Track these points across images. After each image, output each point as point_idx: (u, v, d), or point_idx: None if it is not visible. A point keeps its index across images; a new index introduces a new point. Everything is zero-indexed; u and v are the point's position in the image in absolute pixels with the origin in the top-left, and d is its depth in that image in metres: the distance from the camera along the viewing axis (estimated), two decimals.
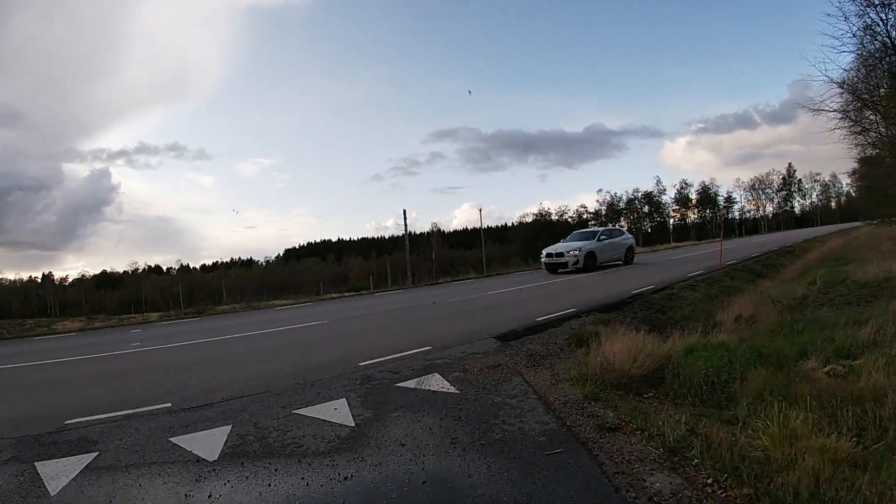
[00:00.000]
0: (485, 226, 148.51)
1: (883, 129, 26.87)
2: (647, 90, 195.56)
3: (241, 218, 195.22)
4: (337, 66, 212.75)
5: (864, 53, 20.53)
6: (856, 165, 33.54)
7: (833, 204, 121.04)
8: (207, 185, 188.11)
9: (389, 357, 8.62)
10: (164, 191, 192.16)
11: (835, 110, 21.22)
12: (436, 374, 7.33)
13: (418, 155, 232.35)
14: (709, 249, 37.93)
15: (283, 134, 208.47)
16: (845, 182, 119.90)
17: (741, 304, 15.13)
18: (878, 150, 30.38)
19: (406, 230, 69.04)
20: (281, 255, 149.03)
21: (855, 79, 22.44)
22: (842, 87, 21.16)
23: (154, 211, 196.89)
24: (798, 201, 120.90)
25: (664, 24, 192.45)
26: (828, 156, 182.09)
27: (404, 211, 60.63)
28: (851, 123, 23.59)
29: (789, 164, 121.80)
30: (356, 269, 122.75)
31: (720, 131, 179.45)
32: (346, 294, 31.93)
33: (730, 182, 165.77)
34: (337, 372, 7.89)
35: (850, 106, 22.61)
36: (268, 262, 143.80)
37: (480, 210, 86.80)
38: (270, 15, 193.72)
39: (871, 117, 25.13)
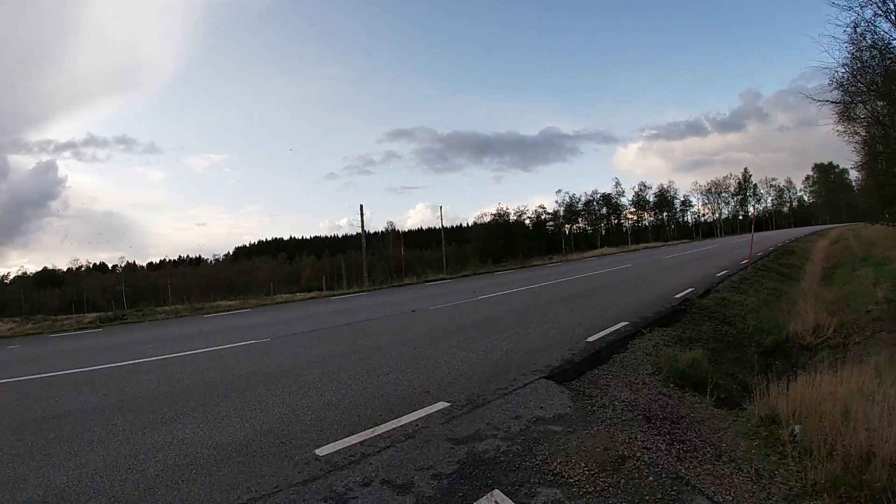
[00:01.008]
0: (440, 226, 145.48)
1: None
2: (603, 96, 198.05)
3: (190, 215, 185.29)
4: (293, 62, 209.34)
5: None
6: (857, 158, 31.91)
7: (786, 209, 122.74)
8: (157, 181, 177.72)
9: (371, 435, 4.40)
10: (112, 185, 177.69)
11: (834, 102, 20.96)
12: (494, 492, 3.16)
13: (374, 154, 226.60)
14: (693, 250, 35.20)
15: (236, 129, 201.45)
16: (799, 187, 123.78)
17: (810, 310, 11.93)
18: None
19: (363, 227, 64.01)
20: (231, 253, 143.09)
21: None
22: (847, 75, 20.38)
23: (101, 206, 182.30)
24: (753, 206, 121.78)
25: (620, 31, 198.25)
26: (775, 163, 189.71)
27: (361, 206, 55.73)
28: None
29: (745, 169, 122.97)
30: (308, 268, 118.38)
31: (672, 138, 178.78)
32: (299, 297, 27.53)
33: (685, 186, 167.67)
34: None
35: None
36: (217, 260, 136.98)
37: (441, 208, 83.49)
38: (227, 7, 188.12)
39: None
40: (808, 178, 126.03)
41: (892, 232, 28.22)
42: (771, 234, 58.48)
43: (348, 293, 21.21)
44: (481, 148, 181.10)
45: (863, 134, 33.49)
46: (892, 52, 22.60)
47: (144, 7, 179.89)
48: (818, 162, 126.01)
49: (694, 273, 17.26)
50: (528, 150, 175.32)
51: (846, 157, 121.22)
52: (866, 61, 26.49)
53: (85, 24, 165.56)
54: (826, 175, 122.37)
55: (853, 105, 28.98)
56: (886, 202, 25.24)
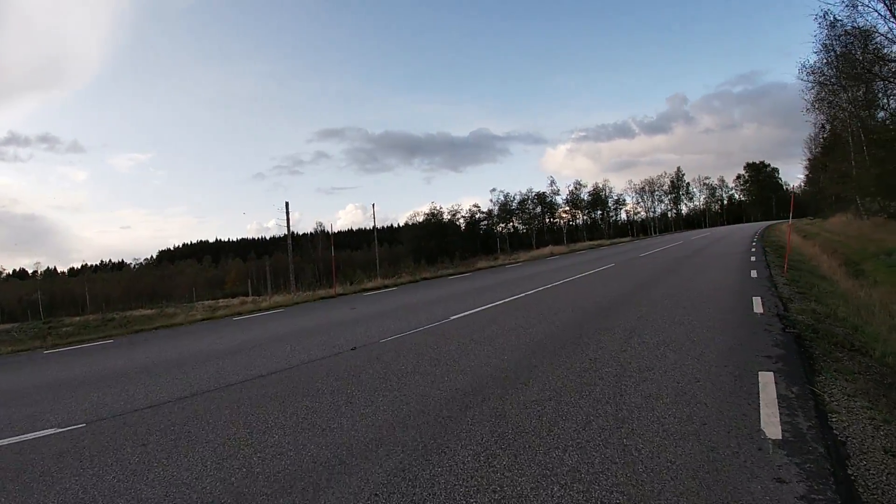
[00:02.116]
0: (370, 226, 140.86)
1: None
2: (533, 98, 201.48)
3: (115, 217, 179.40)
4: (221, 57, 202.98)
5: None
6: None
7: (716, 207, 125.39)
8: (80, 181, 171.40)
9: None
10: (34, 186, 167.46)
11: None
12: None
13: (303, 154, 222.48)
14: (659, 248, 32.18)
15: (162, 127, 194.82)
16: (731, 185, 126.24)
17: None
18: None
19: (288, 226, 58.10)
20: (154, 257, 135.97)
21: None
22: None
23: (22, 208, 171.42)
24: (685, 204, 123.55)
25: (550, 35, 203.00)
26: (701, 165, 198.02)
27: (286, 204, 49.63)
28: None
29: (678, 168, 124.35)
30: (233, 272, 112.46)
31: (600, 139, 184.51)
32: (221, 306, 22.44)
33: (618, 185, 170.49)
34: None
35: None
36: (139, 264, 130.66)
37: (374, 206, 77.27)
38: (155, 1, 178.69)
39: None
40: (739, 176, 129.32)
41: (878, 223, 25.89)
42: (723, 230, 56.88)
43: (263, 311, 15.66)
44: (412, 148, 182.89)
45: (841, 117, 31.73)
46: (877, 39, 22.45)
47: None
48: (750, 161, 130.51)
49: (724, 276, 13.51)
50: (458, 151, 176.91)
51: (771, 156, 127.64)
52: (848, 46, 25.25)
53: (7, 15, 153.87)
54: (758, 173, 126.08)
55: (835, 90, 27.68)
56: (885, 189, 22.99)
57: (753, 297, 9.57)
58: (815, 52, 30.58)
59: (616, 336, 7.13)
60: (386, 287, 20.15)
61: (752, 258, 18.18)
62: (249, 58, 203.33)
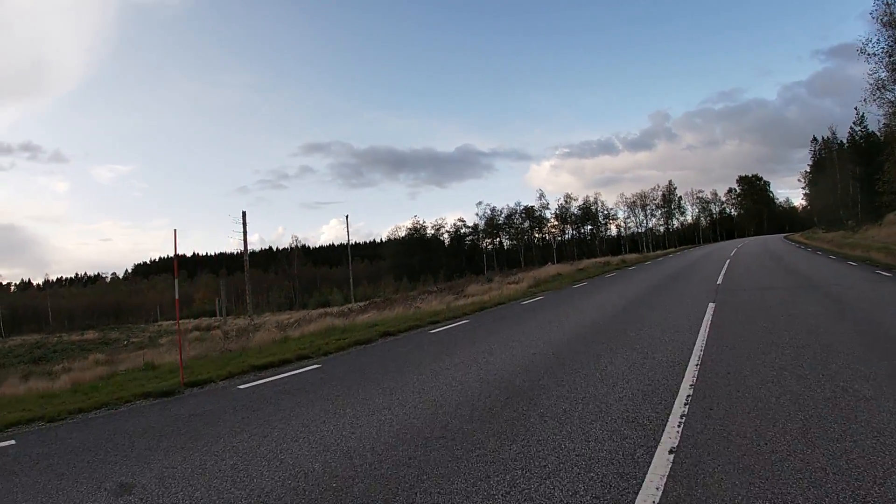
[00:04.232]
0: (353, 241, 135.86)
1: None
2: (517, 115, 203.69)
3: (95, 229, 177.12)
4: (205, 69, 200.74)
5: None
6: None
7: (705, 221, 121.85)
8: (61, 192, 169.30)
9: None
10: (14, 196, 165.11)
11: None
12: None
13: (287, 168, 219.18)
14: (706, 267, 26.98)
15: (145, 138, 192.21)
16: (722, 199, 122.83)
17: None
18: None
19: (245, 240, 52.53)
20: (129, 271, 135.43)
21: None
22: None
23: (1, 219, 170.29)
24: (677, 218, 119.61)
25: (535, 53, 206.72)
26: (683, 181, 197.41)
27: (243, 214, 44.65)
28: None
29: (670, 182, 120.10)
30: (202, 289, 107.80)
31: (584, 156, 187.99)
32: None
33: (608, 200, 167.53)
34: None
35: None
36: (113, 278, 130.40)
37: (347, 217, 71.49)
38: (139, 9, 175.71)
39: None
40: (730, 190, 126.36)
41: None
42: (748, 246, 51.37)
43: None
44: (397, 163, 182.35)
45: None
46: None
47: (54, 5, 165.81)
48: (742, 174, 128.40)
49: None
50: (443, 167, 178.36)
51: (752, 172, 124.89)
52: None
53: None
54: (751, 187, 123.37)
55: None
56: None
57: None
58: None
59: None
60: (362, 300, 14.66)
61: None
62: (234, 70, 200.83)
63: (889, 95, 26.61)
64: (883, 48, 26.40)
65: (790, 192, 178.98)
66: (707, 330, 8.29)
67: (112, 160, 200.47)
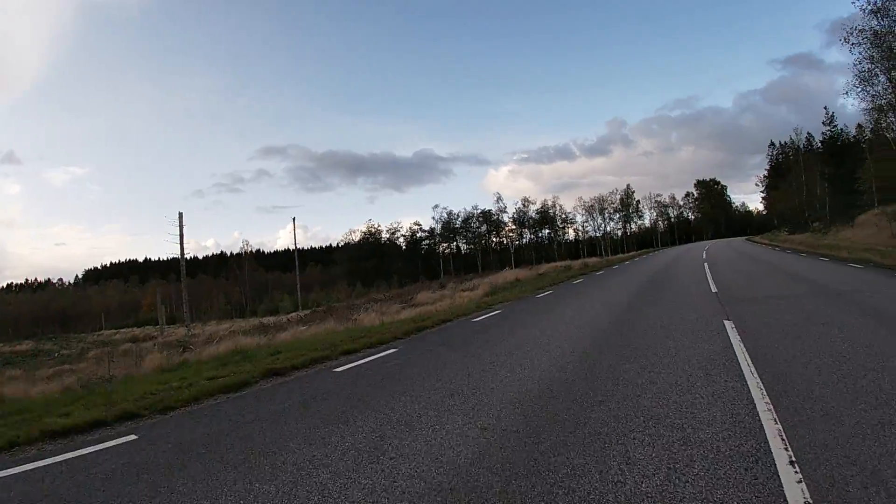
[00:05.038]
0: (310, 246, 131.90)
1: None
2: (476, 121, 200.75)
3: (49, 233, 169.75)
4: (162, 71, 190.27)
5: None
6: None
7: (662, 225, 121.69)
8: (14, 195, 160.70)
9: None
10: None
11: None
12: None
13: (244, 171, 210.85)
14: (674, 273, 24.49)
15: (100, 140, 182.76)
16: (680, 202, 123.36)
17: None
18: None
19: (181, 244, 47.94)
20: (80, 276, 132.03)
21: None
22: None
23: None
24: (635, 222, 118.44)
25: (493, 58, 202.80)
26: (639, 186, 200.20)
27: (180, 215, 40.73)
28: None
29: (628, 185, 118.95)
30: (150, 296, 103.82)
31: (541, 161, 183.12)
32: None
33: (567, 204, 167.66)
34: None
35: None
36: (62, 284, 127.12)
37: (294, 220, 66.88)
38: (98, 9, 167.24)
39: None
40: (688, 194, 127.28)
41: None
42: (717, 249, 48.34)
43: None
44: (356, 167, 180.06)
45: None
46: None
47: (10, 3, 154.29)
48: (700, 178, 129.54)
49: None
50: (402, 171, 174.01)
51: (706, 177, 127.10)
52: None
53: None
54: (709, 191, 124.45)
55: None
56: None
57: None
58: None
59: None
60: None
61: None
62: (191, 72, 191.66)
63: (872, 90, 25.06)
64: (867, 38, 24.81)
65: (745, 196, 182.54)
66: (751, 366, 5.49)
67: (67, 162, 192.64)
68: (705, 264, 24.53)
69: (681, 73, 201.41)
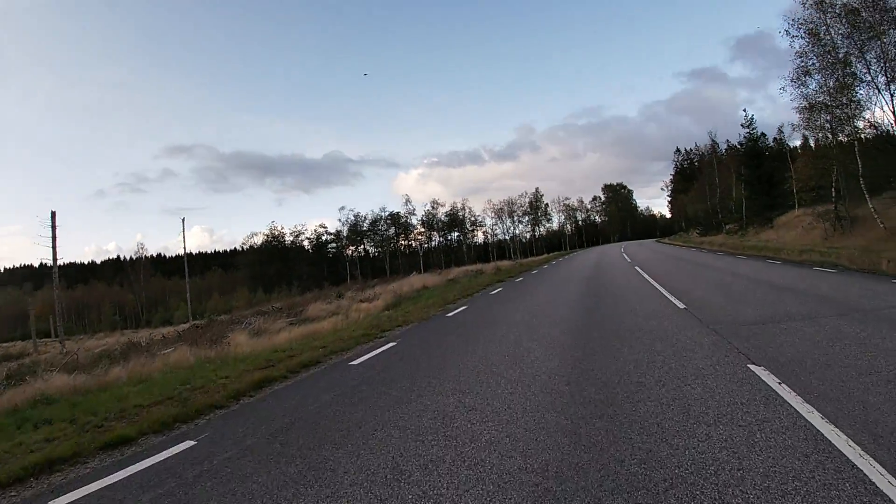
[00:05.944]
0: (214, 249, 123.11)
1: None
2: (387, 124, 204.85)
3: None
4: (59, 64, 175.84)
5: None
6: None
7: (570, 228, 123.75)
8: None
9: None
10: None
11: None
12: None
13: (148, 171, 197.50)
14: (598, 277, 21.54)
15: None
16: (587, 206, 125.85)
17: None
18: None
19: (54, 246, 42.56)
20: None
21: None
22: None
23: None
24: (544, 225, 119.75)
25: (403, 62, 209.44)
26: (546, 192, 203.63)
27: (53, 213, 36.09)
28: None
29: (536, 189, 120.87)
30: (40, 304, 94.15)
31: (452, 165, 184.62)
32: None
33: (477, 207, 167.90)
34: None
35: None
36: None
37: (183, 220, 59.20)
38: None
39: None
40: (595, 198, 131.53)
41: None
42: (636, 252, 46.47)
43: None
44: (264, 168, 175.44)
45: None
46: None
47: None
48: (607, 183, 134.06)
49: None
50: (311, 173, 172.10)
51: (611, 182, 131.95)
52: None
53: None
54: (616, 194, 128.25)
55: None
56: None
57: None
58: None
59: None
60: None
61: None
62: (93, 66, 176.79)
63: (812, 84, 24.45)
64: (808, 29, 24.23)
65: (649, 201, 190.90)
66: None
67: None
68: (637, 268, 21.89)
69: (588, 83, 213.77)
